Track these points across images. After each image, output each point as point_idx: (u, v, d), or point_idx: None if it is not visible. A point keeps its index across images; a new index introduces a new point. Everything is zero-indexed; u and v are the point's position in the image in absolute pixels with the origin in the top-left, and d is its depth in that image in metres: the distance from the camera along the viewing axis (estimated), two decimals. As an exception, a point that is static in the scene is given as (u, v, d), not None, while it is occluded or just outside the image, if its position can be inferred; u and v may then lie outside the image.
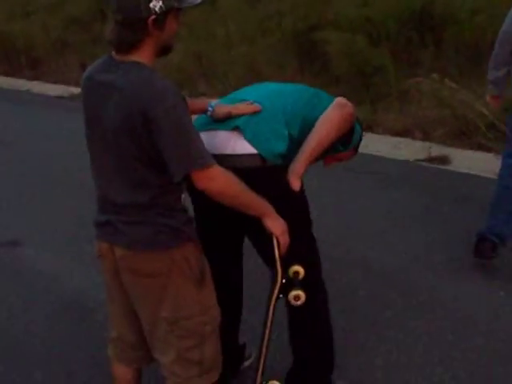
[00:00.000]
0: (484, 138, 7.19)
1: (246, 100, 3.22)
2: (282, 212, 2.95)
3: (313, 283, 3.26)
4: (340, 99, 3.22)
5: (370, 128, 7.85)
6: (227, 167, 2.74)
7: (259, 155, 3.01)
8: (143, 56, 2.64)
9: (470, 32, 8.78)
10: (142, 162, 2.63)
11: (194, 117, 3.16)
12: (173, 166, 2.57)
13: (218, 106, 3.18)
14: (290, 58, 10.16)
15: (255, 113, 3.13)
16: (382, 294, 4.54)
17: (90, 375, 3.99)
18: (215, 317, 2.93)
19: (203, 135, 2.82)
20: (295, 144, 3.11)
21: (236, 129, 3.08)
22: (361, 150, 3.58)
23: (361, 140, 3.54)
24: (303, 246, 3.22)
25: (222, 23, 11.16)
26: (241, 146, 3.03)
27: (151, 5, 2.54)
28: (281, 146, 3.04)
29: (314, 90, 3.41)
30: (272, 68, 9.96)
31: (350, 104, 3.21)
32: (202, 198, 2.76)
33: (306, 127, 3.13)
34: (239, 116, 3.12)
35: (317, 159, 3.23)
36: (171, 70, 10.39)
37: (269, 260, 3.15)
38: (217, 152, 2.94)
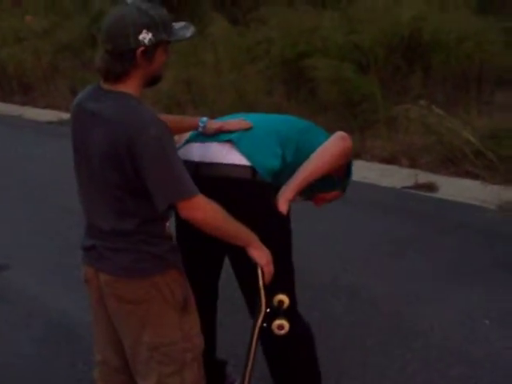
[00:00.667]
0: (471, 165, 7.23)
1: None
2: (264, 229, 2.95)
3: (294, 314, 3.25)
4: (341, 133, 3.23)
5: (357, 155, 7.89)
6: (217, 176, 2.77)
7: (251, 168, 3.01)
8: (130, 86, 2.66)
9: (458, 59, 8.85)
10: (126, 191, 2.64)
11: (187, 134, 3.20)
12: (156, 196, 2.59)
13: (210, 122, 3.18)
14: (277, 85, 10.22)
15: (248, 129, 3.14)
16: (367, 321, 4.55)
17: (75, 400, 3.99)
18: (197, 344, 2.92)
19: (195, 146, 2.86)
20: (287, 167, 3.12)
21: (229, 141, 3.09)
22: (348, 176, 3.60)
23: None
24: (286, 274, 3.22)
25: (211, 50, 11.22)
26: (233, 156, 3.04)
27: (141, 37, 2.56)
28: (275, 163, 3.06)
29: (308, 123, 3.43)
30: (260, 95, 10.01)
31: (349, 139, 3.21)
32: (184, 226, 2.79)
33: (300, 154, 3.14)
34: (231, 132, 3.13)
35: (307, 198, 3.27)
36: (161, 96, 10.44)
37: (247, 289, 3.17)
38: (208, 160, 2.97)
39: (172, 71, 10.33)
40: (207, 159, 3.00)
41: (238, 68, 10.56)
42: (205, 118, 3.19)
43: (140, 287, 2.74)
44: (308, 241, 5.55)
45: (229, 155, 3.04)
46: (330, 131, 3.26)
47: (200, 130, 3.16)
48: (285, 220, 3.15)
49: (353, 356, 4.18)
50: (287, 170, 3.12)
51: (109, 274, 2.77)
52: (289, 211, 3.12)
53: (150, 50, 2.61)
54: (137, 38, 2.56)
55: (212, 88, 10.52)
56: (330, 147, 3.15)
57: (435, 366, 4.03)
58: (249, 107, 9.68)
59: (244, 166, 3.02)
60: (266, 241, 2.94)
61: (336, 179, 3.39)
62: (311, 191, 3.35)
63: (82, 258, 2.92)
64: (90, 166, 2.71)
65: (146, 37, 2.57)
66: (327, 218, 5.88)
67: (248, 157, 3.03)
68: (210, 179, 2.98)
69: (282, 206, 3.06)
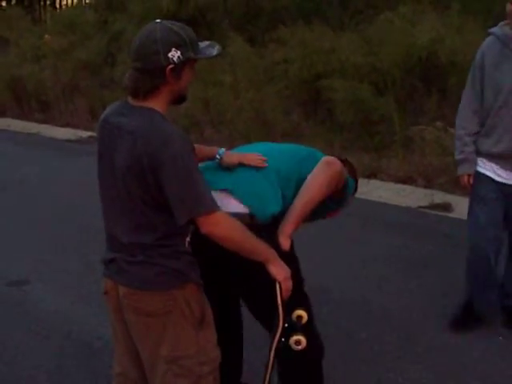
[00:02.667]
0: (486, 186, 7.23)
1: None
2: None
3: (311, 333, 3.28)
4: (327, 158, 3.25)
5: (373, 175, 7.94)
6: None
7: (249, 214, 3.06)
8: (157, 103, 2.73)
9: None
10: (148, 204, 2.69)
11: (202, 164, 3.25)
12: (177, 210, 2.63)
13: (227, 154, 3.25)
14: (295, 105, 10.27)
15: (245, 174, 3.19)
16: (382, 339, 4.58)
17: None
18: (214, 358, 2.94)
19: None
20: (288, 205, 3.16)
21: (225, 190, 3.13)
22: (364, 196, 3.64)
23: (353, 194, 3.57)
24: (299, 295, 3.24)
25: (229, 70, 11.28)
26: (230, 204, 3.08)
27: (170, 55, 2.64)
28: (275, 207, 3.11)
29: (308, 150, 3.45)
30: (278, 115, 10.06)
31: (337, 162, 3.24)
32: (197, 243, 2.84)
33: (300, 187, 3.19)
34: (229, 176, 3.19)
35: (307, 219, 3.27)
36: (179, 116, 10.51)
37: (258, 313, 3.23)
38: None
39: (190, 91, 10.28)
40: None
41: (256, 88, 10.61)
42: (222, 150, 3.26)
43: (158, 301, 2.78)
44: (324, 259, 5.59)
45: (226, 202, 3.07)
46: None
47: (216, 161, 3.24)
48: (289, 254, 3.16)
49: (368, 372, 4.22)
50: (288, 207, 3.16)
51: (127, 286, 2.81)
52: (292, 244, 3.16)
53: (179, 68, 2.69)
54: (166, 56, 2.64)
55: (230, 108, 10.57)
56: (317, 177, 3.17)
57: (449, 381, 4.07)
58: (266, 127, 9.74)
59: (242, 214, 3.06)
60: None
61: (335, 200, 3.39)
62: (314, 217, 3.38)
63: (103, 271, 2.96)
64: (113, 178, 2.76)
65: (174, 55, 2.65)
66: (342, 236, 5.92)
67: (247, 204, 3.09)
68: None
69: (285, 244, 3.10)
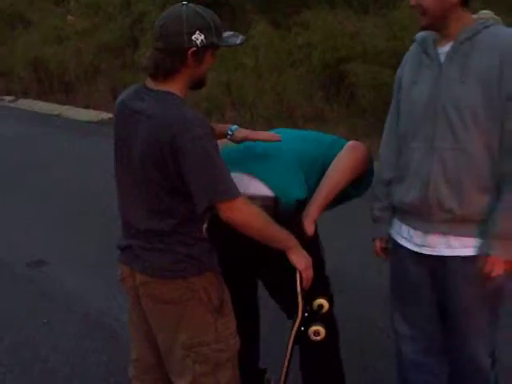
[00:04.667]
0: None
1: (265, 145, 3.22)
2: None
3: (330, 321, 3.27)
4: (351, 143, 3.24)
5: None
6: None
7: (273, 198, 3.03)
8: (176, 86, 2.70)
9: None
10: (165, 190, 2.67)
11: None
12: (197, 196, 2.60)
13: (238, 130, 3.20)
14: (318, 89, 10.20)
15: (270, 158, 3.15)
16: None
17: (111, 395, 4.05)
18: (232, 345, 2.94)
19: None
20: (312, 191, 3.14)
21: (250, 173, 3.10)
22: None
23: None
24: (321, 283, 3.23)
25: (251, 53, 11.22)
26: (255, 186, 3.06)
27: (193, 37, 2.62)
28: (300, 193, 3.09)
29: (332, 138, 3.42)
30: (300, 98, 10.01)
31: (362, 147, 3.23)
32: (216, 230, 2.83)
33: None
34: (253, 159, 3.15)
35: (332, 205, 3.24)
36: (200, 99, 10.47)
37: (283, 301, 3.20)
38: None
39: (212, 74, 10.35)
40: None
41: (279, 71, 10.56)
42: (234, 127, 3.21)
43: (175, 288, 2.77)
44: (335, 244, 5.55)
45: (250, 185, 3.05)
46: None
47: (228, 137, 3.19)
48: (313, 239, 3.16)
49: (386, 361, 4.19)
50: (312, 192, 3.14)
51: (144, 274, 2.80)
52: (316, 228, 3.15)
53: (200, 52, 2.67)
54: (190, 38, 2.62)
55: (252, 91, 10.53)
56: (343, 161, 3.16)
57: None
58: (288, 111, 9.69)
59: (267, 197, 3.04)
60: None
61: (357, 186, 3.34)
62: (334, 203, 3.34)
63: (119, 257, 2.96)
64: (131, 163, 2.74)
65: (198, 38, 2.63)
66: (358, 220, 5.88)
67: (271, 188, 3.06)
68: None
69: (309, 228, 3.09)
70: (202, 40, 2.64)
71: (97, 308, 5.08)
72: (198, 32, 2.63)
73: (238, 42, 2.81)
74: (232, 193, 2.64)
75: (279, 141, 3.15)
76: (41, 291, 5.45)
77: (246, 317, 3.40)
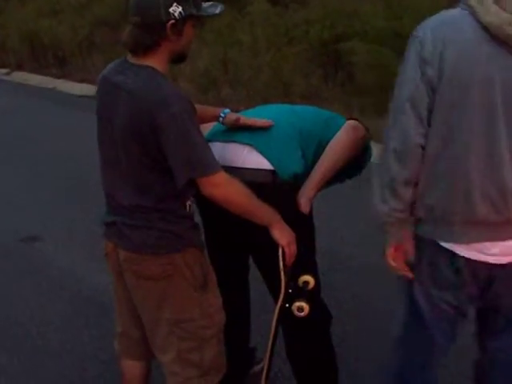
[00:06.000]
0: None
1: (259, 115, 3.20)
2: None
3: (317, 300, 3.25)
4: (351, 122, 3.22)
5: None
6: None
7: (271, 172, 2.99)
8: (157, 61, 2.68)
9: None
10: (146, 166, 2.66)
11: (210, 125, 3.19)
12: (176, 171, 2.60)
13: (230, 114, 3.18)
14: (315, 67, 10.16)
15: (269, 130, 3.11)
16: (392, 306, 4.51)
17: (101, 370, 4.06)
18: (217, 321, 2.95)
19: (213, 146, 2.84)
20: (309, 167, 3.11)
21: (249, 145, 3.07)
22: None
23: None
24: (310, 261, 3.21)
25: (248, 30, 11.17)
26: (253, 159, 3.02)
27: (171, 9, 2.58)
28: (298, 167, 3.05)
29: (329, 114, 3.41)
30: (297, 76, 9.97)
31: (361, 127, 3.21)
32: (209, 211, 2.81)
33: (321, 150, 3.13)
34: (252, 131, 3.11)
35: (327, 184, 3.22)
36: (196, 75, 10.43)
37: (272, 287, 3.16)
38: (226, 164, 2.92)
39: (208, 50, 10.33)
40: (225, 162, 2.94)
41: (276, 49, 10.51)
42: (227, 110, 3.19)
43: (158, 264, 2.77)
44: (327, 222, 5.52)
45: (248, 159, 3.03)
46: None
47: (220, 120, 3.16)
48: (307, 218, 3.14)
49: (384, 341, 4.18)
50: (309, 169, 3.11)
51: (127, 250, 2.80)
52: (311, 209, 3.11)
53: (180, 24, 2.63)
54: (167, 11, 2.58)
55: (248, 68, 10.48)
56: (341, 140, 3.14)
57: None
58: (285, 88, 9.65)
59: (265, 170, 3.00)
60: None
61: (354, 166, 3.34)
62: (331, 182, 3.30)
63: (103, 233, 2.96)
64: (113, 138, 2.73)
65: (176, 10, 2.59)
66: (352, 201, 5.86)
67: (271, 161, 3.01)
68: None
69: (305, 207, 3.05)
70: (180, 12, 2.60)
71: (89, 284, 5.06)
72: (175, 4, 2.59)
73: (217, 11, 2.80)
74: (212, 167, 2.63)
75: (272, 126, 3.13)
76: (33, 267, 5.42)
77: (236, 294, 3.42)
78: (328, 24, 10.17)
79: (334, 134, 3.15)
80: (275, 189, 2.98)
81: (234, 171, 2.88)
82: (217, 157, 2.70)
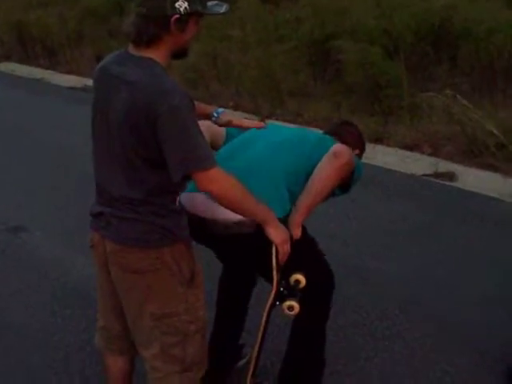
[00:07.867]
0: (492, 157, 7.17)
1: (245, 154, 3.23)
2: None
3: (315, 296, 3.24)
4: (336, 148, 3.20)
5: (379, 140, 7.86)
6: (223, 234, 2.82)
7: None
8: (159, 54, 2.68)
9: (487, 51, 8.77)
10: (141, 158, 2.65)
11: (202, 123, 3.19)
12: (172, 165, 2.60)
13: (224, 113, 3.19)
14: (304, 65, 10.18)
15: (249, 178, 2.99)
16: (379, 306, 4.55)
17: (86, 362, 4.06)
18: (201, 317, 2.95)
19: (198, 197, 2.91)
20: (296, 197, 3.13)
21: None
22: (369, 161, 3.59)
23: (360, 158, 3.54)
24: (309, 258, 3.23)
25: (238, 25, 11.18)
26: (224, 210, 2.90)
27: (177, 4, 2.59)
28: (279, 211, 3.02)
29: (317, 136, 3.43)
30: (286, 73, 9.99)
31: (345, 152, 3.18)
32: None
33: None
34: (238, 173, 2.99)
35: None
36: (185, 69, 10.43)
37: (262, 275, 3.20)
38: (209, 216, 2.98)
39: (198, 45, 10.31)
40: (208, 214, 2.98)
41: (265, 45, 10.52)
42: (220, 109, 3.20)
43: (145, 258, 2.76)
44: (324, 223, 5.55)
45: (219, 210, 2.93)
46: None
47: (213, 119, 3.17)
48: (302, 238, 3.14)
49: (362, 338, 4.20)
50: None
51: (114, 242, 2.80)
52: (304, 228, 3.15)
53: (184, 20, 2.64)
54: (173, 5, 2.59)
55: (238, 64, 10.49)
56: (325, 170, 3.12)
57: (447, 350, 4.05)
58: (273, 85, 9.66)
59: (239, 222, 2.97)
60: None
61: (342, 188, 3.36)
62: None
63: (90, 224, 2.95)
64: (109, 129, 2.72)
65: (181, 5, 2.60)
66: (345, 201, 5.89)
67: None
68: (217, 236, 3.04)
69: (296, 232, 3.07)
70: (185, 7, 2.61)
71: (75, 276, 5.06)
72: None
73: (223, 10, 2.81)
74: (208, 162, 2.62)
75: (264, 128, 3.16)
76: (18, 258, 5.42)
77: (241, 289, 3.43)
78: (318, 22, 10.20)
79: (322, 155, 3.15)
80: (261, 236, 2.94)
81: (220, 224, 2.96)
82: (201, 210, 2.79)
